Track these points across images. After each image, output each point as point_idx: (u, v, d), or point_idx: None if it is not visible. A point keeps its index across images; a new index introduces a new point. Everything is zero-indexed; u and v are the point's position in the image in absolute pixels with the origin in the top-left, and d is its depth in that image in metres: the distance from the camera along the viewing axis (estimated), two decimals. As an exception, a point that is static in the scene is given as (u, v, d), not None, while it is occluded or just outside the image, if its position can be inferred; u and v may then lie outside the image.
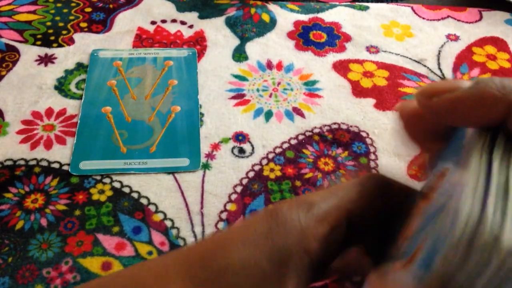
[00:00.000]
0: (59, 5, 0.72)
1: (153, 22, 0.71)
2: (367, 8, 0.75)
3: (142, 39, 0.68)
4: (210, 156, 0.53)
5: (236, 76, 0.63)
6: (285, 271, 0.16)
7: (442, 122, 0.16)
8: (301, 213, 0.18)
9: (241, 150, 0.54)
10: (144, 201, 0.49)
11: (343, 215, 0.18)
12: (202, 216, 0.48)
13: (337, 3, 0.76)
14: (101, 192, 0.49)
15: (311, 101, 0.60)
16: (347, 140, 0.56)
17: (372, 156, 0.54)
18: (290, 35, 0.70)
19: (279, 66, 0.64)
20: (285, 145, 0.55)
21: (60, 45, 0.66)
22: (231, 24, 0.71)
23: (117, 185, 0.50)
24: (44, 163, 0.51)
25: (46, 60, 0.63)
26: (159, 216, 0.48)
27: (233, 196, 0.50)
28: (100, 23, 0.70)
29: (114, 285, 0.16)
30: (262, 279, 0.16)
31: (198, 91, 0.60)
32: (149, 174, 0.51)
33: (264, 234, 0.17)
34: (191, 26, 0.70)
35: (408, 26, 0.72)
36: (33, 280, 0.42)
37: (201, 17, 0.72)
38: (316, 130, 0.57)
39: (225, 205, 0.49)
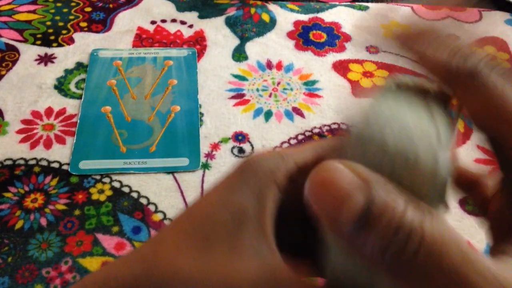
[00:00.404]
0: (59, 4, 0.72)
1: (153, 22, 0.71)
2: (367, 8, 0.75)
3: (142, 38, 0.68)
4: (209, 156, 0.53)
5: (236, 76, 0.63)
6: (260, 203, 0.18)
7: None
8: (270, 155, 0.19)
9: (241, 150, 0.54)
10: (143, 200, 0.49)
11: (311, 157, 0.20)
12: (202, 216, 0.48)
13: (337, 3, 0.76)
14: (101, 191, 0.49)
15: (311, 101, 0.60)
16: (346, 140, 0.56)
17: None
18: (290, 35, 0.70)
19: (279, 66, 0.64)
20: (285, 145, 0.55)
21: (60, 45, 0.66)
22: (231, 24, 0.71)
23: (116, 184, 0.50)
24: (44, 163, 0.51)
25: (46, 59, 0.63)
26: (159, 216, 0.48)
27: (233, 196, 0.50)
28: (100, 22, 0.70)
29: (124, 263, 0.18)
30: (240, 211, 0.17)
31: (197, 90, 0.60)
32: (148, 173, 0.51)
33: (235, 176, 0.19)
34: (191, 26, 0.70)
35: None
36: (33, 280, 0.42)
37: (201, 16, 0.72)
38: (316, 130, 0.57)
39: (224, 205, 0.49)
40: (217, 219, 0.17)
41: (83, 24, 0.69)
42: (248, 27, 0.70)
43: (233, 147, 0.54)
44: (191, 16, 0.72)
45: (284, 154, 0.19)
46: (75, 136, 0.54)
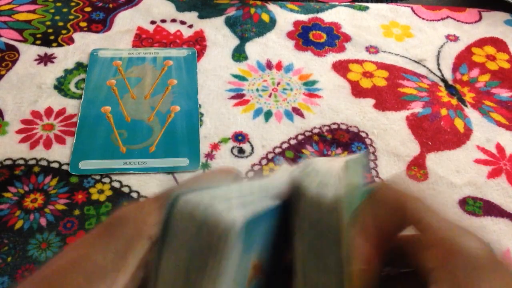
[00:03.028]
0: (58, 4, 0.72)
1: (152, 22, 0.71)
2: (366, 8, 0.75)
3: (141, 38, 0.68)
4: (209, 156, 0.53)
5: (236, 76, 0.63)
6: (123, 258, 0.17)
7: None
8: (142, 205, 0.18)
9: (241, 150, 0.54)
10: (143, 201, 0.49)
11: None
12: (202, 216, 0.48)
13: (337, 3, 0.76)
14: (101, 191, 0.49)
15: (311, 101, 0.60)
16: (346, 140, 0.56)
17: (372, 157, 0.54)
18: (290, 35, 0.70)
19: (279, 66, 0.64)
20: (285, 145, 0.55)
21: (59, 45, 0.65)
22: (231, 24, 0.71)
23: (116, 184, 0.50)
24: (44, 163, 0.51)
25: (45, 59, 0.63)
26: (159, 216, 0.48)
27: (233, 196, 0.50)
28: (100, 22, 0.70)
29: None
30: (96, 271, 0.16)
31: (197, 91, 0.60)
32: (148, 174, 0.51)
33: (100, 232, 0.18)
34: (190, 26, 0.70)
35: (408, 27, 0.72)
36: (32, 279, 0.42)
37: (200, 17, 0.72)
38: (316, 130, 0.57)
39: (224, 205, 0.49)
40: (68, 282, 0.16)
41: (83, 24, 0.69)
42: (248, 27, 0.70)
43: (233, 147, 0.54)
44: (190, 16, 0.72)
45: (156, 203, 0.18)
46: (75, 136, 0.54)
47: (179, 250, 0.16)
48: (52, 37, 0.66)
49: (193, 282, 0.16)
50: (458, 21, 0.74)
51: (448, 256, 0.16)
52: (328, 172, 0.19)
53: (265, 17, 0.72)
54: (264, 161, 0.53)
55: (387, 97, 0.61)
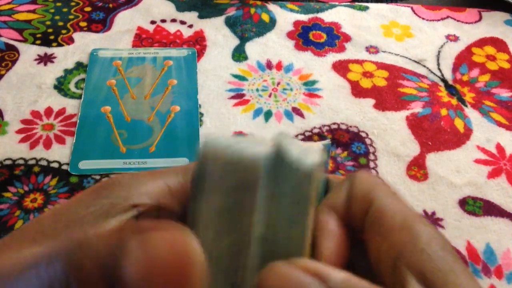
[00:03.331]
0: (58, 4, 0.72)
1: (152, 22, 0.71)
2: (366, 8, 0.75)
3: (141, 38, 0.68)
4: (209, 156, 0.53)
5: (236, 76, 0.63)
6: (103, 215, 0.17)
7: None
8: (135, 176, 0.19)
9: (241, 150, 0.54)
10: (143, 201, 0.49)
11: (183, 181, 0.19)
12: (201, 216, 0.48)
13: (337, 3, 0.76)
14: (100, 191, 0.49)
15: (311, 101, 0.60)
16: (346, 140, 0.56)
17: (372, 157, 0.54)
18: (290, 35, 0.70)
19: (279, 66, 0.64)
20: (285, 145, 0.55)
21: (59, 45, 0.65)
22: (231, 24, 0.71)
23: (116, 184, 0.50)
24: (43, 163, 0.51)
25: (45, 59, 0.63)
26: (158, 216, 0.48)
27: (233, 196, 0.50)
28: (100, 22, 0.70)
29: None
30: (73, 222, 0.17)
31: (197, 91, 0.60)
32: (148, 174, 0.51)
33: (88, 193, 0.18)
34: (190, 26, 0.70)
35: (408, 27, 0.72)
36: (32, 279, 0.42)
37: (200, 16, 0.72)
38: (316, 130, 0.57)
39: (224, 205, 0.49)
40: (45, 228, 0.17)
41: (83, 24, 0.69)
42: (248, 27, 0.70)
43: (233, 147, 0.54)
44: (190, 16, 0.72)
45: (155, 175, 0.19)
46: (75, 136, 0.54)
47: (211, 192, 0.16)
48: (52, 37, 0.66)
49: (229, 221, 0.16)
50: (458, 21, 0.74)
51: (413, 241, 0.16)
52: (310, 146, 0.19)
53: (265, 17, 0.72)
54: (264, 161, 0.53)
55: (387, 97, 0.61)
